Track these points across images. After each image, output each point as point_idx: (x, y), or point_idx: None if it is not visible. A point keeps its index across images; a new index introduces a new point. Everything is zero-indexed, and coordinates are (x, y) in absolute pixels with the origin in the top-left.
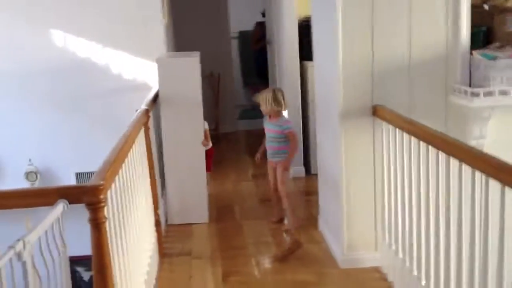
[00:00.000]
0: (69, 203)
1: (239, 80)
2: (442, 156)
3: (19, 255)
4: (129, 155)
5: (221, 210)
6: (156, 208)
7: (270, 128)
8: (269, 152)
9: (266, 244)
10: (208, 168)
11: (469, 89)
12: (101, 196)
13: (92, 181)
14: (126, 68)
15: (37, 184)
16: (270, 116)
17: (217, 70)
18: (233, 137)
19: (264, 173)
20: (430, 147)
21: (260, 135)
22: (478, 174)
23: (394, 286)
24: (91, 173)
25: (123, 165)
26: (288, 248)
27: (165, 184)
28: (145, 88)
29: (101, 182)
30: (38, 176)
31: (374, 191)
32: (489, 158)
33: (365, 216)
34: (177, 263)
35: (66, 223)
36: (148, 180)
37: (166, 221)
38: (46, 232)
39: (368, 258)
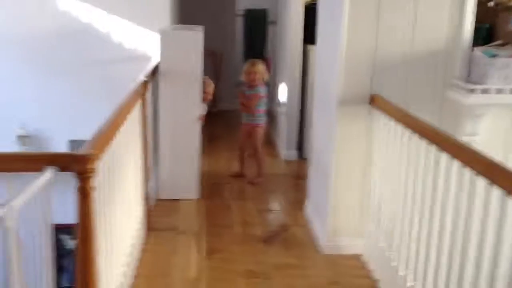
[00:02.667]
0: (59, 171)
1: (242, 59)
2: (432, 149)
3: (1, 221)
4: (123, 126)
5: (211, 188)
6: (146, 181)
7: (260, 92)
8: (256, 115)
9: (252, 225)
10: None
11: (465, 86)
12: (91, 166)
13: (83, 150)
14: (128, 38)
15: (28, 149)
16: (254, 85)
17: (220, 47)
18: (232, 115)
19: None
20: (422, 139)
21: None
22: (467, 170)
23: (374, 275)
24: (85, 141)
25: (116, 135)
26: (273, 230)
27: (157, 158)
28: (145, 59)
29: (92, 151)
30: (30, 140)
31: (364, 179)
32: (479, 155)
33: (351, 204)
34: (162, 237)
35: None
36: (140, 152)
37: (157, 196)
38: (33, 199)
39: (352, 245)
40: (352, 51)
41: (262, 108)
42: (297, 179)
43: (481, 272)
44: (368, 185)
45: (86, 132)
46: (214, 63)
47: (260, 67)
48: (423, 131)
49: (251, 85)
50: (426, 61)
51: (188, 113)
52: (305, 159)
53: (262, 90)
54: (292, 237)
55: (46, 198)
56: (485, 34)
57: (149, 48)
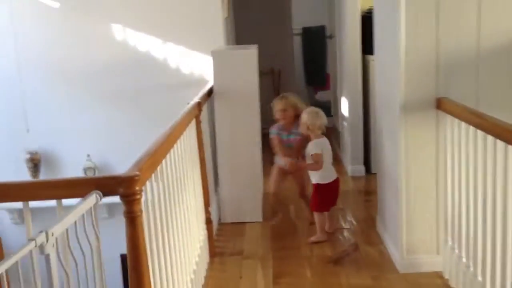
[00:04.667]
0: (104, 195)
1: (301, 78)
2: (510, 149)
3: (41, 248)
4: (175, 147)
5: (275, 209)
6: (207, 205)
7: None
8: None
9: (320, 245)
10: (313, 207)
11: None
12: (137, 188)
13: (128, 172)
14: (184, 63)
15: None
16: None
17: (278, 66)
18: None
19: None
20: (498, 141)
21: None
22: None
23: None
24: None
25: (167, 156)
26: (343, 250)
27: (218, 181)
28: (203, 83)
29: (137, 173)
30: (97, 171)
31: (437, 190)
32: None
33: (426, 217)
34: (228, 262)
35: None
36: (199, 175)
37: (219, 219)
38: (75, 224)
39: (429, 262)
40: (413, 53)
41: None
42: (365, 195)
43: None
44: (442, 195)
45: None
46: (272, 82)
47: (293, 100)
48: (499, 131)
49: (287, 127)
50: (495, 58)
51: (247, 133)
52: (373, 174)
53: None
54: (364, 256)
55: (92, 223)
56: None
57: (205, 71)
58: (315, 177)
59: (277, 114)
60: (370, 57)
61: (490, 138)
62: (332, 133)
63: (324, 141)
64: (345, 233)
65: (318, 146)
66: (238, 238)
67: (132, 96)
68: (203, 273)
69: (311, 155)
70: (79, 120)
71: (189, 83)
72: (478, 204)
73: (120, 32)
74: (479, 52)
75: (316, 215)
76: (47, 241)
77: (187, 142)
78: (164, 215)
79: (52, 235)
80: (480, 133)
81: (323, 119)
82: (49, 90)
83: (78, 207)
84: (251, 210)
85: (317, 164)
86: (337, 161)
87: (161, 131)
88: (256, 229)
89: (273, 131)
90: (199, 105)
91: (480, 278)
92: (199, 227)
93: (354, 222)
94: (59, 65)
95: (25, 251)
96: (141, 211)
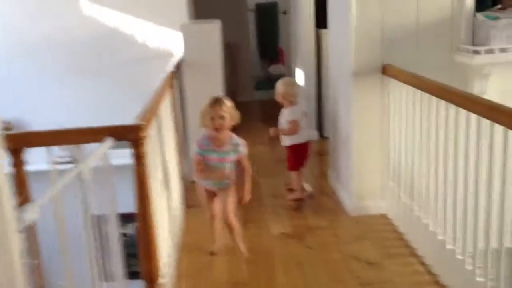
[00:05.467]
0: (116, 140)
1: (255, 52)
2: (441, 104)
3: (80, 176)
4: (160, 106)
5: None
6: (180, 161)
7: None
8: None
9: (280, 197)
10: (290, 167)
11: (471, 47)
12: (142, 134)
13: (135, 121)
14: (151, 37)
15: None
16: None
17: (234, 41)
18: (250, 106)
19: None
20: (432, 97)
21: (274, 105)
22: (472, 115)
23: (399, 228)
24: None
25: (157, 112)
26: (301, 197)
27: (187, 143)
28: (169, 56)
29: (143, 122)
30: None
31: (381, 144)
32: (482, 100)
33: (373, 168)
34: (199, 213)
35: None
36: (174, 135)
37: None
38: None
39: (375, 206)
40: (362, 26)
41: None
42: (320, 156)
43: (492, 207)
44: (386, 149)
45: None
46: (229, 55)
47: (230, 104)
48: (432, 89)
49: (221, 142)
50: (432, 30)
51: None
52: (326, 138)
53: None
54: (319, 204)
55: (107, 162)
56: (491, 3)
57: (171, 45)
58: (292, 140)
59: (212, 123)
60: (322, 31)
61: (425, 95)
62: None
63: (298, 108)
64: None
65: (294, 113)
66: None
67: (101, 69)
68: (180, 218)
69: (289, 121)
70: (48, 93)
71: (155, 56)
72: (415, 152)
73: (88, 7)
74: (419, 25)
75: (293, 174)
76: (82, 169)
77: (165, 105)
78: (156, 160)
79: (87, 166)
80: (417, 91)
81: (297, 88)
82: (21, 63)
83: (98, 149)
84: None
85: (295, 129)
86: None
87: (132, 101)
88: None
89: (197, 149)
90: (172, 73)
91: (417, 213)
92: (176, 180)
93: (309, 177)
94: (30, 38)
95: (69, 176)
96: (146, 152)
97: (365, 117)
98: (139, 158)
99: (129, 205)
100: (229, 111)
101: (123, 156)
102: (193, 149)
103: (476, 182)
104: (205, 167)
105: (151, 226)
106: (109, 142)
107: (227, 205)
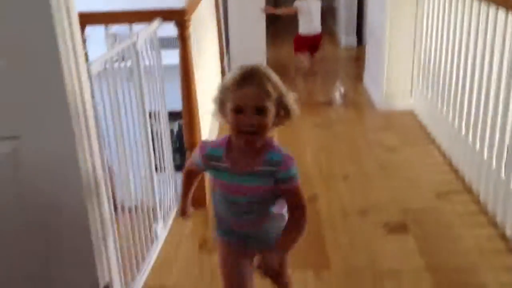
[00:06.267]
0: (164, 20)
1: None
2: (477, 3)
3: (134, 45)
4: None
5: (278, 70)
6: (222, 57)
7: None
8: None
9: (315, 94)
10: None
11: None
12: (187, 17)
13: (181, 6)
14: None
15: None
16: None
17: None
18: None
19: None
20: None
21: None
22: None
23: (423, 119)
24: None
25: (199, 5)
26: (334, 96)
27: (228, 43)
28: None
29: (187, 6)
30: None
31: (413, 43)
32: None
33: (403, 66)
34: None
35: None
36: (216, 33)
37: None
38: (148, 38)
39: (404, 103)
40: None
41: None
42: (356, 61)
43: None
44: (418, 48)
45: None
46: None
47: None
48: None
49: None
50: None
51: (255, 9)
52: (364, 46)
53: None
54: (352, 101)
55: (156, 39)
56: None
57: None
58: (299, 28)
59: (236, 121)
60: None
61: None
62: (328, 11)
63: (312, 2)
64: (336, 86)
65: (303, 2)
66: None
67: None
68: None
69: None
70: None
71: None
72: (446, 52)
73: None
74: None
75: (299, 55)
76: (137, 40)
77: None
78: (198, 48)
79: (140, 37)
80: None
81: None
82: None
83: (148, 27)
84: None
85: (292, 10)
86: (331, 34)
87: None
88: None
89: (195, 157)
90: None
91: (444, 112)
92: (217, 74)
93: (344, 79)
94: None
95: (126, 43)
96: (190, 34)
97: (398, 17)
98: (183, 39)
99: (177, 104)
100: (276, 96)
101: (172, 56)
102: (234, 46)
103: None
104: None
105: (194, 98)
106: (157, 22)
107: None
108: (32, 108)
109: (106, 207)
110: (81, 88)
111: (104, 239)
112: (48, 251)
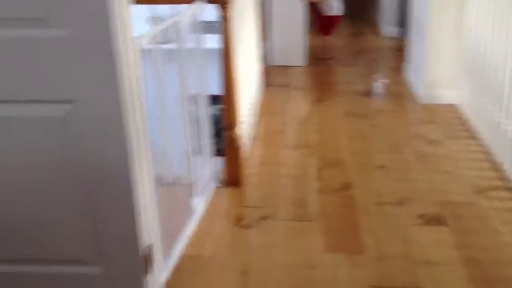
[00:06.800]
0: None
1: None
2: None
3: (177, 24)
4: None
5: (317, 59)
6: (263, 43)
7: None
8: None
9: (354, 84)
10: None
11: None
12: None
13: None
14: None
15: None
16: None
17: None
18: None
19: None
20: None
21: None
22: None
23: (466, 116)
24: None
25: None
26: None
27: (271, 30)
28: None
29: None
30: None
31: (456, 33)
32: None
33: (446, 58)
34: (278, 90)
35: None
36: (257, 19)
37: (270, 62)
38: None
39: (446, 95)
40: None
41: None
42: (397, 51)
43: None
44: (461, 39)
45: None
46: None
47: None
48: None
49: None
50: None
51: None
52: (406, 37)
53: None
54: (393, 92)
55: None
56: None
57: None
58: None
59: None
60: None
61: None
62: (371, 1)
63: None
64: (377, 76)
65: None
66: (286, 76)
67: None
68: (260, 96)
69: None
70: None
71: None
72: (491, 43)
73: None
74: None
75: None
76: (180, 20)
77: None
78: (240, 30)
79: (183, 18)
80: None
81: None
82: None
83: (191, 7)
84: (296, 56)
85: None
86: (370, 24)
87: None
88: (300, 70)
89: None
90: None
91: (488, 106)
92: (257, 59)
93: (385, 69)
94: None
95: (169, 22)
96: (232, 17)
97: (443, 8)
98: (226, 20)
99: (217, 89)
100: None
101: (213, 41)
102: (275, 37)
103: None
104: None
105: (234, 79)
106: (201, 2)
107: None
108: (85, 75)
109: (147, 174)
110: (130, 60)
111: (145, 204)
112: (93, 206)
